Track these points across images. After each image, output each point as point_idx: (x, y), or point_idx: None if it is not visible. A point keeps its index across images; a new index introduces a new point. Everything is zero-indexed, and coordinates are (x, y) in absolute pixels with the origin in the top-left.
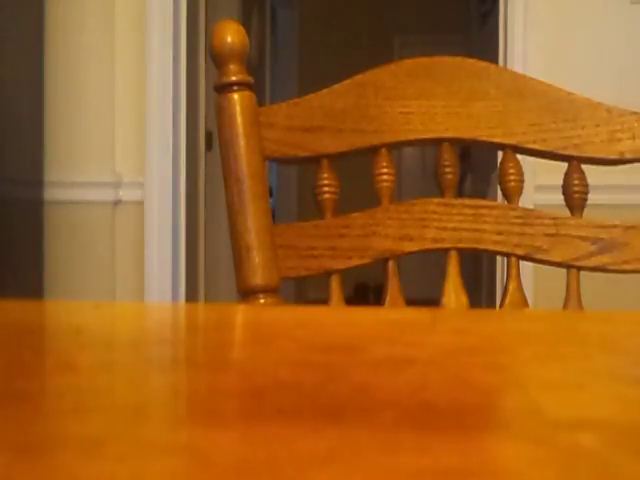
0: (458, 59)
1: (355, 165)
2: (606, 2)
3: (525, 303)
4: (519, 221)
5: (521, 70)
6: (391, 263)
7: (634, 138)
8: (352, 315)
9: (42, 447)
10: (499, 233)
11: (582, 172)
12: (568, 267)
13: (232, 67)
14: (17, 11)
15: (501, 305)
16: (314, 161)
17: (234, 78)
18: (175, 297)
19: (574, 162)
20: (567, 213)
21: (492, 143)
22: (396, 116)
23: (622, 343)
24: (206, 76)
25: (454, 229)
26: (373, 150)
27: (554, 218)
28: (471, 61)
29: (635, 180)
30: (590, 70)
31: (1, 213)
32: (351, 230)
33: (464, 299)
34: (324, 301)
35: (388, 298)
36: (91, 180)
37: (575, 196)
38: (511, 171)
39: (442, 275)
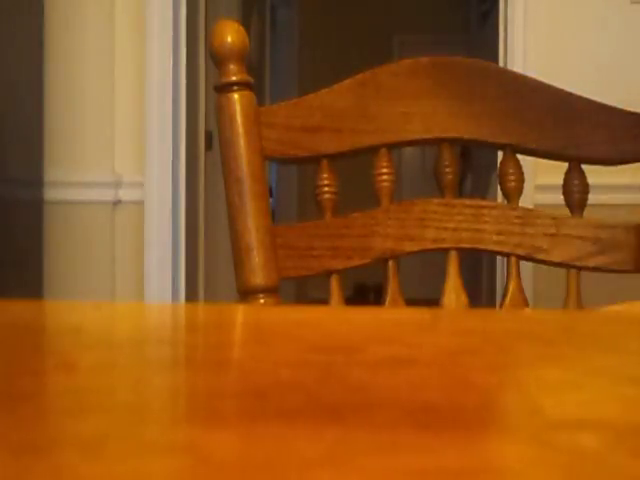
0: (458, 59)
1: (355, 165)
2: (606, 2)
3: (525, 303)
4: (519, 221)
5: (521, 70)
6: (391, 263)
7: (634, 138)
8: (352, 315)
9: (42, 447)
10: (499, 233)
11: (582, 172)
12: (568, 267)
13: (232, 67)
14: (17, 11)
15: (501, 305)
16: (314, 161)
17: (234, 78)
18: (175, 297)
19: (574, 162)
20: (567, 213)
21: (492, 143)
22: (396, 116)
23: (622, 343)
24: (206, 76)
25: (454, 229)
26: (373, 150)
27: (554, 218)
28: (471, 61)
29: (635, 180)
30: (590, 70)
31: (1, 213)
32: (351, 230)
33: (464, 299)
34: (324, 301)
35: (388, 298)
36: (91, 180)
37: (575, 196)
38: (511, 171)
39: (442, 275)
